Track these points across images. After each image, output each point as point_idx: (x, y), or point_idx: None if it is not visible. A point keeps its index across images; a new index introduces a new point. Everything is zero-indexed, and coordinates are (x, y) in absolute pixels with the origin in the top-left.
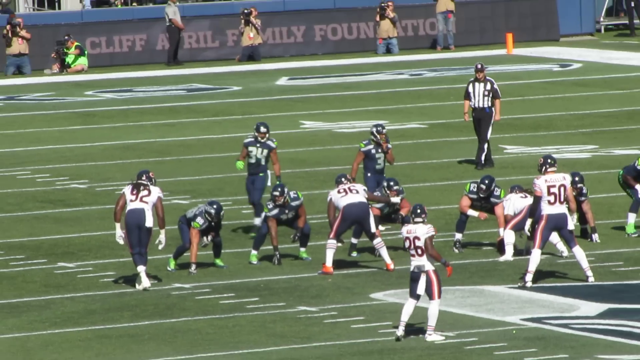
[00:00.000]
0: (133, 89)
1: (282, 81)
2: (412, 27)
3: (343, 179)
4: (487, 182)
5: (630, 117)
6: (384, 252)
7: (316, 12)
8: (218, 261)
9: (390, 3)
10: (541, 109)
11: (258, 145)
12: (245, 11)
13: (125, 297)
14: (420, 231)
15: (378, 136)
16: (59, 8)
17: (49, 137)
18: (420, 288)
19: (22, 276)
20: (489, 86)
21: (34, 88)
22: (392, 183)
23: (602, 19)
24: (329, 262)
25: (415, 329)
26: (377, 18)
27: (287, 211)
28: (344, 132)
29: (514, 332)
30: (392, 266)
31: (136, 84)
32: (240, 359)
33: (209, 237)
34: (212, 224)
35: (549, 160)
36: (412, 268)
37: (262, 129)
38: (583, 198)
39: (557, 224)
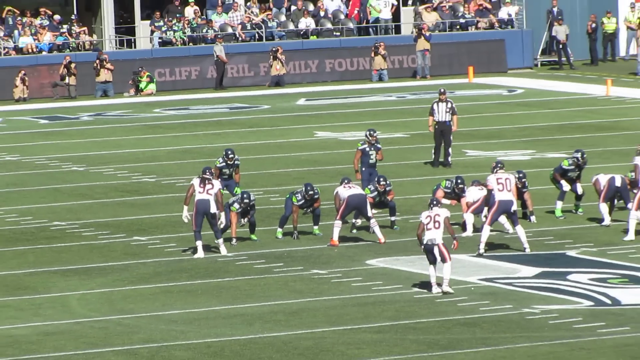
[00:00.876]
0: (189, 107)
1: (301, 101)
2: (398, 61)
3: (346, 180)
4: (460, 182)
5: (559, 129)
6: (377, 230)
7: (326, 50)
8: (253, 236)
9: (382, 43)
10: (493, 123)
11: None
12: (274, 49)
13: (184, 262)
14: (442, 213)
15: (370, 138)
16: (135, 47)
17: (127, 143)
18: (436, 255)
19: (107, 247)
20: (449, 105)
21: (116, 107)
22: (381, 179)
23: (538, 57)
24: (335, 237)
25: (401, 287)
26: (372, 54)
27: (309, 203)
28: (347, 140)
29: (472, 289)
30: (383, 240)
31: (191, 103)
32: (269, 309)
33: (246, 219)
34: (248, 208)
35: (499, 165)
36: (426, 241)
37: (230, 155)
38: (525, 189)
39: (505, 208)
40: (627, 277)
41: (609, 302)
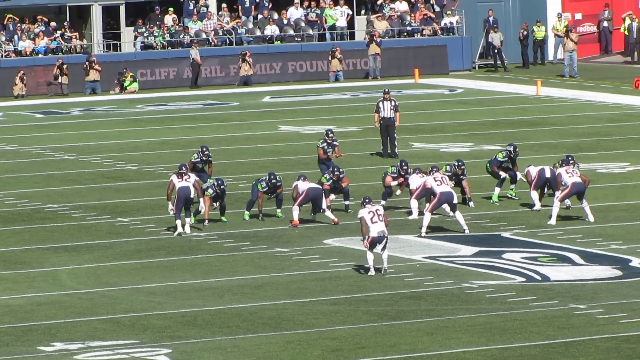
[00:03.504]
0: (167, 103)
1: (266, 99)
2: (352, 64)
3: (303, 177)
4: (404, 164)
5: (494, 124)
6: (329, 213)
7: (289, 54)
8: (223, 218)
9: (338, 48)
10: (436, 119)
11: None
12: (242, 53)
13: (162, 241)
14: (381, 208)
15: (327, 138)
16: (120, 50)
17: (112, 135)
18: (381, 246)
19: (94, 227)
20: (393, 103)
21: (103, 103)
22: (335, 168)
23: (476, 60)
24: (295, 218)
25: (354, 264)
26: (330, 58)
27: (272, 189)
28: (307, 133)
29: (417, 265)
30: (336, 220)
31: (169, 100)
32: (237, 282)
33: (217, 203)
34: (220, 193)
35: (434, 169)
36: (376, 233)
37: (205, 151)
38: (463, 177)
39: (446, 199)
40: (555, 256)
41: (539, 278)
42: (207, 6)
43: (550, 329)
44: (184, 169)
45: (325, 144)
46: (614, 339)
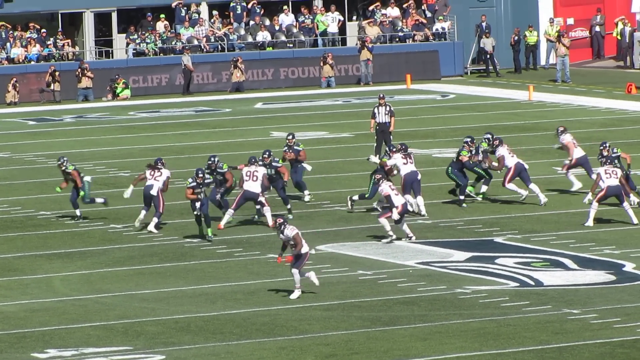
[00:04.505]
0: (160, 110)
1: (259, 105)
2: (344, 70)
3: (253, 160)
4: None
5: (487, 130)
6: (268, 215)
7: (281, 60)
8: (209, 232)
9: (330, 54)
10: (429, 124)
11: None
12: (234, 59)
13: (154, 247)
14: (294, 229)
15: (288, 141)
16: (112, 57)
17: (104, 142)
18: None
19: (87, 234)
20: (388, 108)
21: (95, 110)
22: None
23: (468, 66)
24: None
25: (347, 270)
26: (321, 63)
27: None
28: (300, 139)
29: (411, 271)
30: (271, 224)
31: (162, 107)
32: (230, 289)
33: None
34: (199, 182)
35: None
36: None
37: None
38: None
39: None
40: (548, 261)
41: (532, 283)
42: (198, 13)
43: (544, 334)
44: (160, 164)
45: (286, 147)
46: (608, 343)
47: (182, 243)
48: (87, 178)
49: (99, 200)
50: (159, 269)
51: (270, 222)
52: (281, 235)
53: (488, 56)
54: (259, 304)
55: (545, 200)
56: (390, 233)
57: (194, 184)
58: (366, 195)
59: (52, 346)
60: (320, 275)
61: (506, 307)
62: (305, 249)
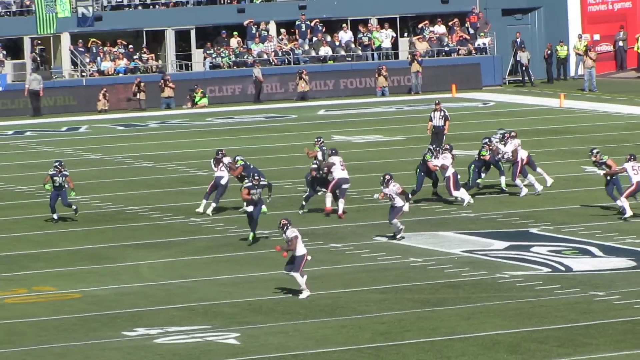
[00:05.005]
0: (233, 116)
1: (321, 112)
2: (396, 80)
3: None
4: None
5: (523, 133)
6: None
7: (341, 72)
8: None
9: (384, 66)
10: (471, 129)
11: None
12: (299, 71)
13: (230, 238)
14: (294, 231)
15: (316, 141)
16: (191, 69)
17: (185, 144)
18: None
19: (170, 226)
20: (443, 113)
21: (177, 116)
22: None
23: (506, 76)
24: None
25: (400, 257)
26: (376, 75)
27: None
28: (357, 142)
29: (456, 258)
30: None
31: (235, 114)
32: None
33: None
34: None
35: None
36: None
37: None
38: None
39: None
40: (577, 249)
41: (563, 269)
42: (267, 30)
43: (573, 313)
44: (220, 154)
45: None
46: (630, 322)
47: (259, 235)
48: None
49: (73, 207)
50: (234, 257)
51: (341, 210)
52: (284, 234)
53: (524, 68)
54: (322, 287)
55: (540, 189)
56: (401, 226)
57: (250, 184)
58: (414, 189)
59: (140, 325)
60: (376, 262)
61: (540, 290)
62: (300, 252)
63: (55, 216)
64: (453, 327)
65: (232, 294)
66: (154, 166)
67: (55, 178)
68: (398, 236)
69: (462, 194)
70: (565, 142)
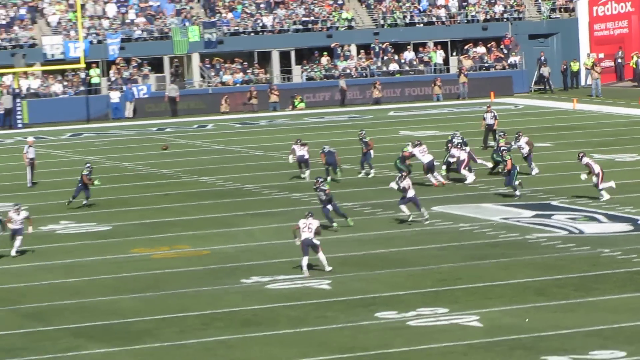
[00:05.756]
0: (324, 117)
1: (391, 113)
2: (448, 89)
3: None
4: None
5: (545, 129)
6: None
7: (405, 82)
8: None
9: (438, 78)
10: (506, 126)
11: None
12: (374, 82)
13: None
14: (315, 222)
15: (360, 134)
16: (292, 81)
17: (287, 138)
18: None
19: (277, 200)
20: (493, 114)
21: (281, 117)
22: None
23: (532, 86)
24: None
25: (452, 223)
26: (433, 85)
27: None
28: (419, 135)
29: (495, 224)
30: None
31: (325, 114)
32: (373, 237)
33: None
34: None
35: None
36: (303, 238)
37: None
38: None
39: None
40: (587, 217)
41: (577, 231)
42: (349, 51)
43: (585, 265)
44: (299, 142)
45: (362, 135)
46: (630, 272)
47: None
48: (97, 182)
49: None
50: (326, 223)
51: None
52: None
53: (545, 79)
54: (394, 246)
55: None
56: (408, 213)
57: (315, 187)
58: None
59: (254, 275)
60: (433, 227)
61: (559, 248)
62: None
63: (71, 199)
64: (493, 276)
65: (325, 250)
66: (264, 154)
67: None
68: (409, 220)
69: (467, 173)
70: (577, 136)
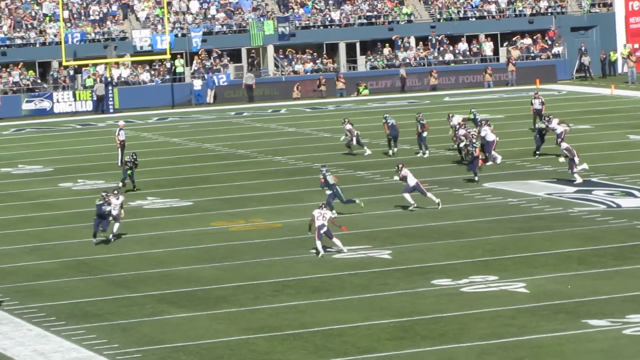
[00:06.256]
0: (386, 102)
1: (446, 98)
2: (498, 77)
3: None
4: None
5: (585, 112)
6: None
7: (459, 70)
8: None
9: (489, 67)
10: (551, 109)
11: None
12: (431, 71)
13: (383, 185)
14: (328, 213)
15: (418, 116)
16: (357, 70)
17: (352, 121)
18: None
19: (343, 177)
20: (540, 100)
21: (347, 102)
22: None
23: (574, 73)
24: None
25: (501, 198)
26: (484, 73)
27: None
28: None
29: (540, 199)
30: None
31: (387, 100)
32: (431, 210)
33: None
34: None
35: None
36: (317, 225)
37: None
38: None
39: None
40: (624, 192)
41: (615, 206)
42: (409, 43)
43: (622, 236)
44: (346, 120)
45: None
46: None
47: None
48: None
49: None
50: (389, 199)
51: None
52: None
53: (586, 68)
54: (449, 219)
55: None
56: (412, 202)
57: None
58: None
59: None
60: (485, 201)
61: (599, 221)
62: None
63: (120, 184)
64: (538, 246)
65: (386, 223)
66: (332, 136)
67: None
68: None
69: (495, 155)
70: (615, 119)
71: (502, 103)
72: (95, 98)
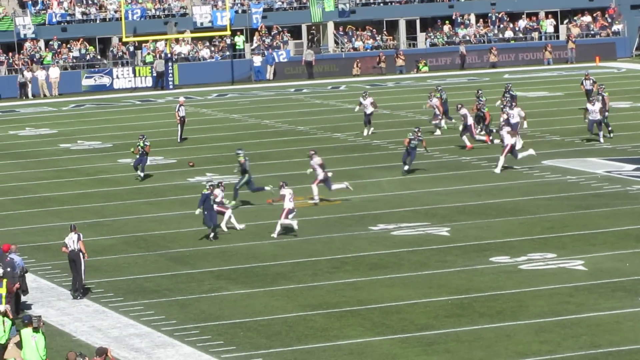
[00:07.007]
0: (445, 79)
1: (506, 75)
2: (557, 54)
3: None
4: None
5: None
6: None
7: (519, 48)
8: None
9: (549, 44)
10: (609, 87)
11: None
12: (491, 48)
13: (441, 162)
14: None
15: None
16: (416, 47)
17: (411, 98)
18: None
19: (394, 155)
20: (592, 80)
21: (406, 79)
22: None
23: (633, 51)
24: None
25: (560, 176)
26: (544, 50)
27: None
28: (530, 96)
29: (599, 176)
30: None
31: (447, 77)
32: (490, 188)
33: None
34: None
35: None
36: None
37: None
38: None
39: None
40: None
41: None
42: (469, 20)
43: None
44: (365, 93)
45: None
46: None
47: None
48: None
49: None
50: (446, 176)
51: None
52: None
53: None
54: (507, 196)
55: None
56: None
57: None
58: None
59: (381, 223)
60: (544, 179)
61: None
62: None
63: (140, 174)
64: (597, 223)
65: (445, 200)
66: (391, 113)
67: (139, 146)
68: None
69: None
70: None
71: (562, 80)
72: (155, 74)
